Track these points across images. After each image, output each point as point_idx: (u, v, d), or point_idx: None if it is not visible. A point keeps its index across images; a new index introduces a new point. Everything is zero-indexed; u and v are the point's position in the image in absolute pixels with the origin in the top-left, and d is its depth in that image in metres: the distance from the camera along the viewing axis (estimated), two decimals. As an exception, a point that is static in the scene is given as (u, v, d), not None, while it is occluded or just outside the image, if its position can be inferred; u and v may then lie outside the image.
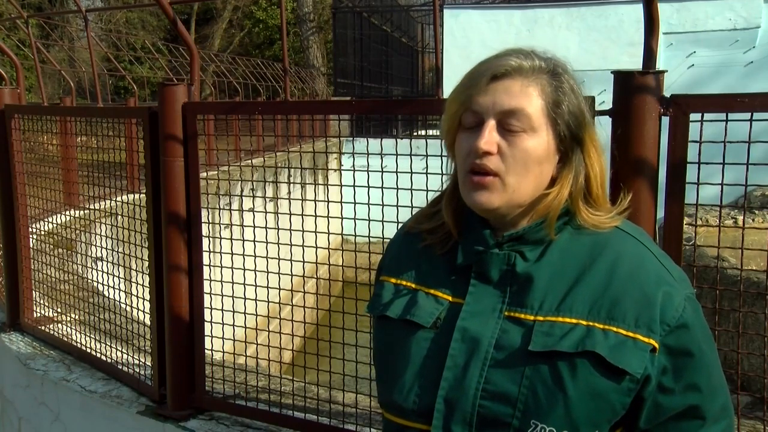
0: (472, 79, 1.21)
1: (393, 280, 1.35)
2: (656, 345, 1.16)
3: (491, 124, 1.19)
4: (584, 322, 1.17)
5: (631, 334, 1.16)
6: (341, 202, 2.73)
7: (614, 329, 1.16)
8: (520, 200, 1.22)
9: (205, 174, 2.91)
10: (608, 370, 1.14)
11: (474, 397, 1.18)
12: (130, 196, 3.48)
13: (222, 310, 2.89)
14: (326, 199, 2.70)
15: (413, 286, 1.31)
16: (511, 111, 1.18)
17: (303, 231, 2.69)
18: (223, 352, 2.95)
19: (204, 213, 2.86)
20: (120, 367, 3.31)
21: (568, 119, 1.21)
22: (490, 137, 1.18)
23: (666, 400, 1.20)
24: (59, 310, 4.05)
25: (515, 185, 1.20)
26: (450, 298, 1.27)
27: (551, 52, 1.25)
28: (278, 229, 2.73)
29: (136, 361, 3.24)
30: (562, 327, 1.17)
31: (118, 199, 3.51)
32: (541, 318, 1.19)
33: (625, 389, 1.16)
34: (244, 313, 2.88)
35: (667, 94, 1.84)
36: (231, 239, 2.90)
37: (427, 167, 2.07)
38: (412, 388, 1.24)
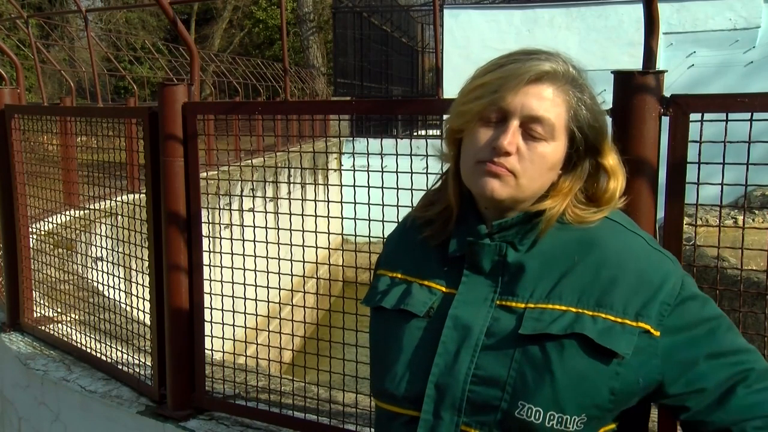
0: (503, 79, 1.20)
1: (389, 273, 1.38)
2: (648, 327, 1.18)
3: (516, 125, 1.20)
4: (574, 309, 1.19)
5: (619, 320, 1.18)
6: (341, 202, 2.73)
7: (603, 316, 1.18)
8: (524, 197, 1.24)
9: (205, 174, 2.91)
10: (596, 351, 1.16)
11: (464, 382, 1.20)
12: (130, 196, 3.48)
13: (222, 310, 2.89)
14: (326, 199, 2.69)
15: (408, 278, 1.34)
16: (538, 118, 1.20)
17: (303, 231, 2.69)
18: (223, 352, 2.95)
19: (204, 213, 2.86)
20: (120, 367, 3.31)
21: (588, 132, 1.24)
22: (513, 138, 1.20)
23: (703, 372, 1.19)
24: (59, 310, 4.04)
25: (525, 186, 1.22)
26: (443, 289, 1.29)
27: (566, 54, 1.26)
28: (278, 229, 2.73)
29: (136, 361, 3.24)
30: (551, 313, 1.19)
31: (118, 199, 3.51)
32: (531, 305, 1.21)
33: (612, 372, 1.17)
34: (244, 313, 2.88)
35: (667, 94, 1.84)
36: (231, 239, 2.90)
37: (427, 167, 2.07)
38: (404, 376, 1.26)
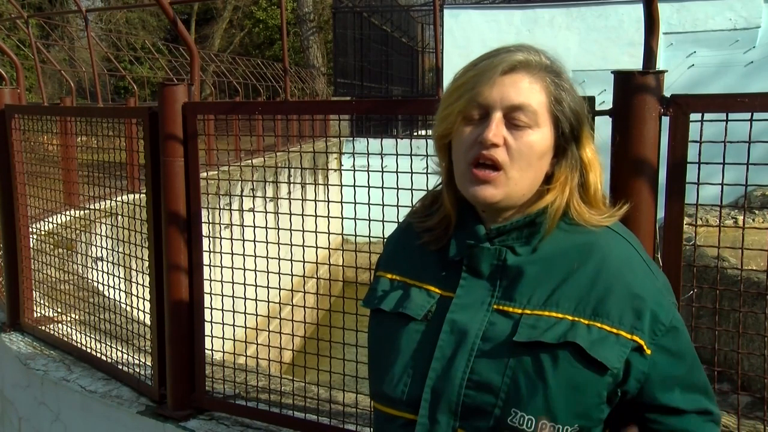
0: (478, 75, 1.22)
1: (388, 276, 1.38)
2: (641, 343, 1.18)
3: (498, 117, 1.20)
4: (570, 317, 1.19)
5: (614, 330, 1.18)
6: (341, 202, 2.73)
7: (598, 325, 1.18)
8: (519, 193, 1.23)
9: (205, 174, 2.91)
10: (589, 362, 1.16)
11: (459, 387, 1.20)
12: (130, 196, 3.48)
13: (222, 310, 2.89)
14: (326, 199, 2.69)
15: (407, 281, 1.34)
16: (518, 106, 1.20)
17: (303, 231, 2.69)
18: (223, 352, 2.95)
19: (204, 213, 2.86)
20: (120, 367, 3.31)
21: (570, 116, 1.23)
22: (497, 129, 1.20)
23: (651, 395, 1.22)
24: (59, 310, 4.04)
25: (517, 178, 1.22)
26: (441, 292, 1.29)
27: (545, 48, 1.27)
28: (278, 229, 2.73)
29: (136, 361, 3.24)
30: (547, 321, 1.19)
31: (118, 199, 3.51)
32: (528, 311, 1.21)
33: (605, 383, 1.17)
34: (244, 313, 2.88)
35: (667, 94, 1.84)
36: (231, 239, 2.90)
37: (427, 167, 2.07)
38: (401, 379, 1.27)
